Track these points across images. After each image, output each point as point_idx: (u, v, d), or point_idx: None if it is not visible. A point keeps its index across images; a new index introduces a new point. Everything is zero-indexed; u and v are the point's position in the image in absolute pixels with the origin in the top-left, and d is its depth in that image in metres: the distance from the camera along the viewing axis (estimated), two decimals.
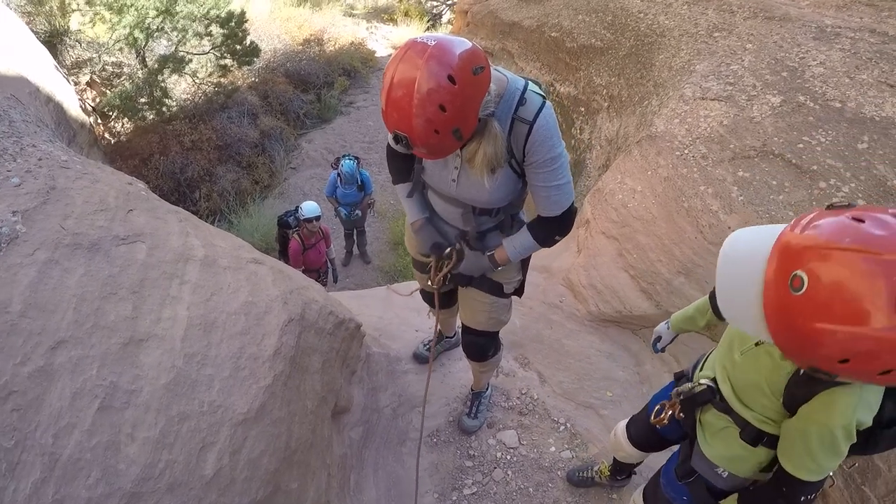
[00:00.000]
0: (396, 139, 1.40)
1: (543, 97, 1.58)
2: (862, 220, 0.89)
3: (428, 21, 17.22)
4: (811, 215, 0.97)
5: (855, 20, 3.62)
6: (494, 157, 1.56)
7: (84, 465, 1.22)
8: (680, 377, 1.73)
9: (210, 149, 8.74)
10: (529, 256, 2.12)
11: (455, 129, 1.37)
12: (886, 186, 2.60)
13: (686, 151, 3.36)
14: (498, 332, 2.39)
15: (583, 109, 6.44)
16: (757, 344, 1.30)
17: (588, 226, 4.08)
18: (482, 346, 2.38)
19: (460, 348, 3.26)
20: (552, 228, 1.80)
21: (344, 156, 6.40)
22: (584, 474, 2.54)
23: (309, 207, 5.30)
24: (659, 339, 2.02)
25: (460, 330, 3.18)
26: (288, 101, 11.05)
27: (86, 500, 1.18)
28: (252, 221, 7.84)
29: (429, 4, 18.01)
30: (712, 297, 1.67)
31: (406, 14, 17.33)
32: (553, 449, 2.75)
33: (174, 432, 1.37)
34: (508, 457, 2.69)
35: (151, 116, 8.38)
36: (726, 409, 1.40)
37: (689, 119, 3.52)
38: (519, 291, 2.23)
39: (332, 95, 12.14)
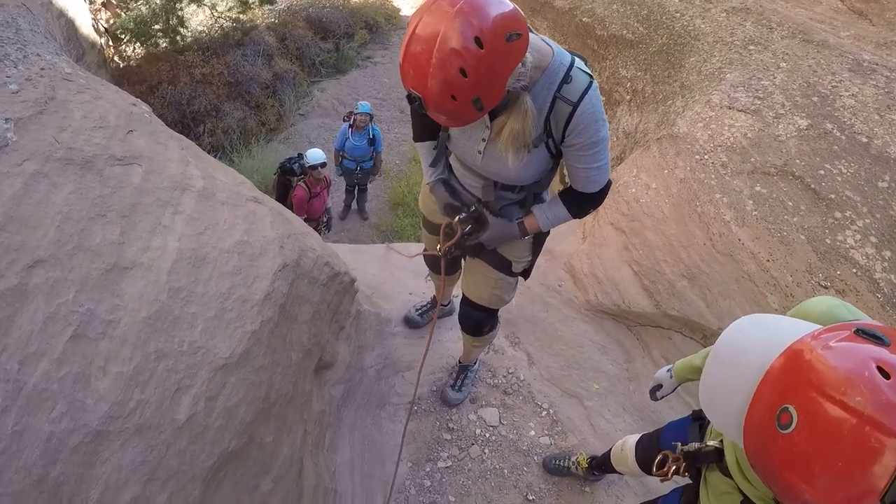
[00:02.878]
0: (410, 99, 1.26)
1: (591, 76, 1.44)
2: (888, 376, 0.72)
3: None
4: (838, 334, 0.81)
5: (893, 60, 3.54)
6: (521, 136, 1.43)
7: (49, 397, 1.14)
8: (698, 417, 1.63)
9: (220, 84, 8.54)
10: (545, 238, 2.04)
11: (475, 99, 1.22)
12: None
13: (706, 157, 3.30)
14: (498, 310, 2.31)
15: (604, 99, 6.33)
16: None
17: (596, 214, 4.01)
18: (479, 320, 2.30)
19: (453, 318, 3.20)
20: (587, 202, 1.71)
21: (358, 102, 6.35)
22: (561, 463, 2.51)
23: (315, 154, 5.20)
24: (659, 387, 1.82)
25: (456, 298, 3.12)
26: (305, 46, 10.79)
27: (48, 434, 1.11)
28: (254, 162, 7.72)
29: None
30: None
31: None
32: (532, 433, 2.72)
33: (149, 370, 1.29)
34: (487, 435, 2.66)
35: (164, 44, 8.16)
36: (730, 475, 1.30)
37: (714, 125, 3.45)
38: (526, 273, 2.14)
39: (350, 47, 11.87)
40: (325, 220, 5.95)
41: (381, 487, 2.30)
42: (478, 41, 1.14)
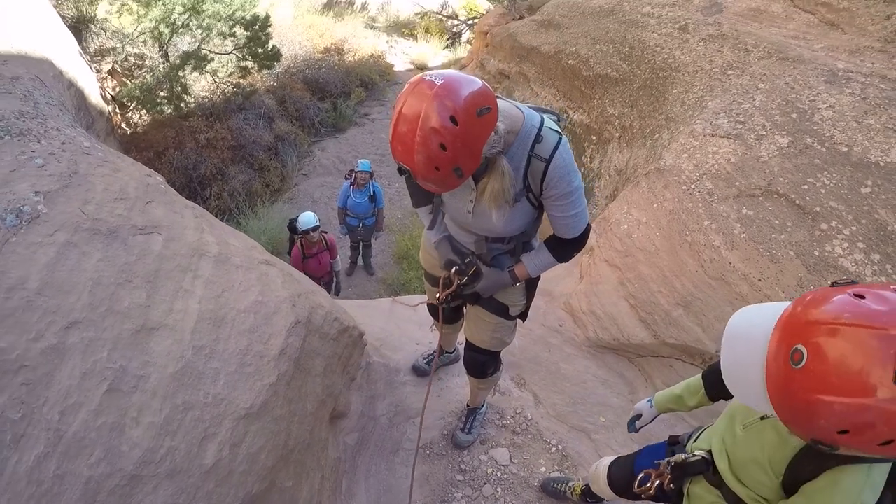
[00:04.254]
0: (401, 171, 1.45)
1: (560, 133, 1.63)
2: (863, 297, 0.92)
3: (447, 39, 17.44)
4: (814, 293, 1.00)
5: (867, 65, 3.68)
6: (501, 194, 1.61)
7: (88, 444, 1.25)
8: (674, 443, 1.72)
9: (224, 148, 8.83)
10: (537, 283, 2.19)
11: (456, 168, 1.41)
12: (887, 231, 2.65)
13: (693, 186, 3.42)
14: (500, 352, 2.43)
15: (594, 138, 6.53)
16: (763, 418, 1.29)
17: (592, 253, 4.12)
18: (483, 363, 2.42)
19: (459, 364, 3.29)
20: (569, 247, 1.87)
21: (359, 161, 6.54)
22: (558, 487, 2.55)
23: (305, 219, 5.32)
24: (638, 416, 1.91)
25: (461, 346, 3.20)
26: (304, 107, 11.18)
27: (87, 478, 1.20)
28: (260, 224, 7.88)
29: (449, 23, 18.24)
30: (706, 377, 1.64)
31: (426, 30, 17.53)
32: (543, 469, 2.76)
33: (178, 420, 1.40)
34: (499, 474, 2.70)
35: (169, 111, 8.48)
36: (719, 482, 1.39)
37: (698, 154, 3.58)
38: (523, 315, 2.27)
39: (348, 105, 12.26)
40: (327, 282, 6.01)
41: None
42: (453, 119, 1.33)
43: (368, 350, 2.98)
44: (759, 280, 2.80)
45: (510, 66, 8.85)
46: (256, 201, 8.58)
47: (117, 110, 8.23)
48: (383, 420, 2.77)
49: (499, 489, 2.63)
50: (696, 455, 1.44)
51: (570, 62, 6.88)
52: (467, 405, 2.91)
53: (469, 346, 2.42)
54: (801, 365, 0.92)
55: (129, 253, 1.74)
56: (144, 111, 8.45)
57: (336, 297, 6.17)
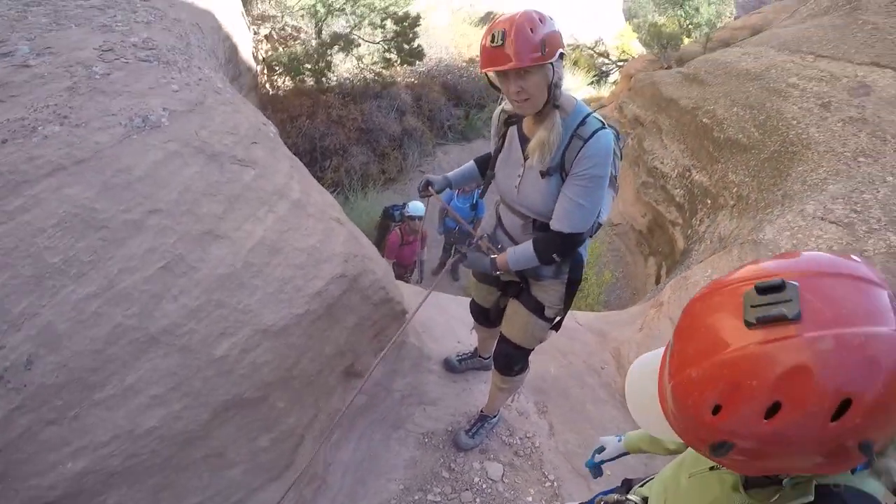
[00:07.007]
0: (493, 38, 1.65)
1: (603, 124, 1.78)
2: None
3: (594, 75, 17.40)
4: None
5: None
6: (547, 143, 1.78)
7: (129, 300, 1.51)
8: (628, 487, 1.51)
9: (352, 128, 9.46)
10: (576, 289, 2.24)
11: (544, 41, 1.63)
12: None
13: None
14: (530, 351, 2.48)
15: (709, 202, 6.43)
16: (711, 468, 1.08)
17: (660, 308, 4.03)
18: (512, 357, 2.47)
19: (488, 373, 3.34)
20: (554, 244, 1.93)
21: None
22: None
23: (416, 206, 5.62)
24: (601, 449, 1.72)
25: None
26: (438, 109, 11.66)
27: (117, 323, 1.46)
28: (367, 205, 8.31)
29: (599, 60, 18.17)
30: None
31: (575, 63, 17.50)
32: (530, 499, 2.72)
33: (207, 311, 1.63)
34: (484, 486, 2.71)
35: (311, 82, 9.23)
36: None
37: (800, 235, 3.44)
38: (557, 325, 2.34)
39: (479, 118, 12.56)
40: (412, 269, 6.29)
41: (367, 496, 2.46)
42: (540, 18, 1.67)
43: (408, 330, 3.10)
44: None
45: (647, 113, 8.82)
46: (369, 184, 9.08)
47: (265, 71, 9.09)
48: (396, 395, 2.89)
49: (477, 500, 2.64)
50: (630, 500, 1.31)
51: (704, 120, 6.81)
52: (480, 411, 2.96)
53: (502, 338, 2.49)
54: (670, 351, 0.78)
55: (222, 175, 2.02)
56: (289, 77, 9.27)
57: (419, 283, 6.43)
